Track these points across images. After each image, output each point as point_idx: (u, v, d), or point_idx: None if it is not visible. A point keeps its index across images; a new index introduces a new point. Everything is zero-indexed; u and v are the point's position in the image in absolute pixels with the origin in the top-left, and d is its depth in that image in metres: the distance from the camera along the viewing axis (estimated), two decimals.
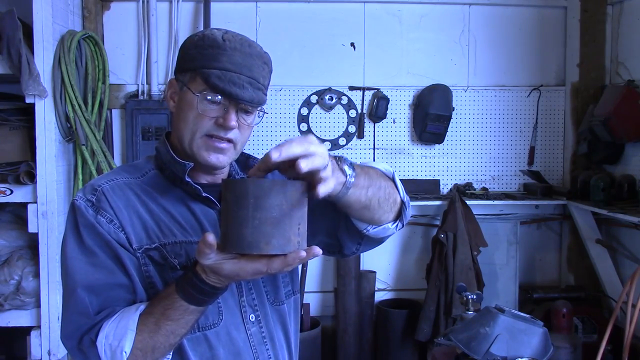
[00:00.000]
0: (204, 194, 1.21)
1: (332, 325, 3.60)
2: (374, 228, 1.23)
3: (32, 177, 2.88)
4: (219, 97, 1.14)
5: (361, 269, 3.58)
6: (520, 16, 3.63)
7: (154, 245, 1.16)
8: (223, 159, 1.19)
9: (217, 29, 1.19)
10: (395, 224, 1.25)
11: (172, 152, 1.22)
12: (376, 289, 3.61)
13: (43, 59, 2.86)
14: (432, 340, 3.19)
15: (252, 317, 1.24)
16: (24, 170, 2.88)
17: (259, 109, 1.21)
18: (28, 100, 2.85)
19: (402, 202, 1.24)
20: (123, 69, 3.45)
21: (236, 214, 0.95)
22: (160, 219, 1.18)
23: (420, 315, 3.30)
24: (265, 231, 0.94)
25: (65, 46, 2.92)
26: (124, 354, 1.06)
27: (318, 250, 0.98)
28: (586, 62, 3.53)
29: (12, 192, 2.89)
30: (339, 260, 3.51)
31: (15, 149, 2.96)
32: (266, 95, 1.21)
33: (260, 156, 1.36)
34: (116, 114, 3.42)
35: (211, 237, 0.96)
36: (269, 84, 1.24)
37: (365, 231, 1.24)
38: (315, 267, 3.64)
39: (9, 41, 2.74)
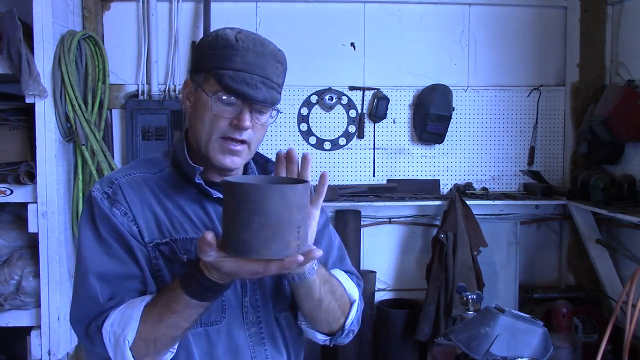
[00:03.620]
0: (215, 196, 1.23)
1: None
2: (307, 326, 1.29)
3: (32, 177, 2.88)
4: (233, 97, 1.16)
5: (361, 269, 3.58)
6: (520, 16, 3.63)
7: (164, 240, 1.18)
8: (237, 160, 1.21)
9: (230, 28, 1.20)
10: (326, 339, 1.31)
11: (186, 152, 1.24)
12: (376, 289, 3.61)
13: (43, 59, 2.86)
14: (432, 340, 3.18)
15: (252, 318, 1.25)
16: (24, 170, 2.88)
17: (272, 108, 1.22)
18: (28, 100, 2.85)
19: (343, 326, 1.29)
20: (123, 69, 3.45)
21: (235, 217, 0.95)
22: (173, 215, 1.21)
23: (420, 315, 3.30)
24: (264, 236, 0.94)
25: (65, 46, 2.92)
26: (127, 342, 1.08)
27: (317, 252, 1.00)
28: (586, 62, 3.52)
29: (12, 192, 2.89)
30: None
31: (15, 149, 2.96)
32: (280, 94, 1.22)
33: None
34: (116, 114, 3.42)
35: (210, 236, 0.97)
36: (283, 82, 1.24)
37: (299, 322, 1.31)
38: None
39: (9, 41, 2.74)
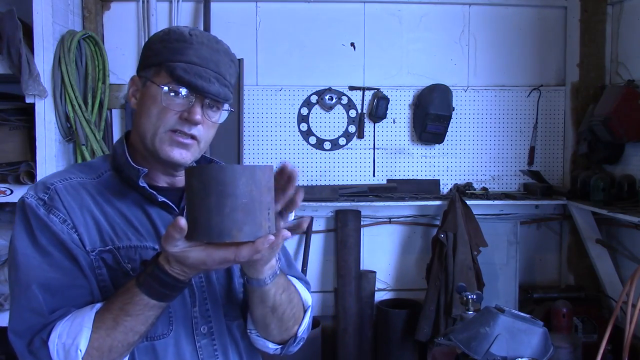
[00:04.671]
0: (160, 199, 1.17)
1: (332, 325, 3.60)
2: (257, 335, 1.24)
3: (32, 177, 2.88)
4: (185, 90, 1.11)
5: (361, 269, 3.58)
6: (520, 16, 3.63)
7: (107, 248, 1.11)
8: (186, 155, 1.14)
9: (184, 26, 1.17)
10: (277, 348, 1.26)
11: (127, 154, 1.17)
12: (376, 289, 3.61)
13: (43, 59, 2.86)
14: (432, 340, 3.19)
15: (203, 329, 1.19)
16: (24, 170, 2.88)
17: (224, 108, 1.18)
18: (28, 100, 2.85)
19: (295, 334, 1.24)
20: (123, 69, 3.45)
21: (204, 201, 0.92)
22: (115, 222, 1.14)
23: (420, 315, 3.30)
24: (237, 218, 0.92)
25: (65, 46, 2.92)
26: (79, 352, 1.00)
27: (287, 233, 0.96)
28: (586, 62, 3.53)
29: (12, 192, 2.89)
30: (339, 260, 3.51)
31: (15, 149, 2.96)
32: (232, 93, 1.18)
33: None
34: (116, 114, 3.42)
35: (182, 221, 0.91)
36: (234, 84, 1.20)
37: (249, 331, 1.26)
38: (315, 267, 3.64)
39: (9, 41, 2.74)
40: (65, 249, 1.08)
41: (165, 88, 1.11)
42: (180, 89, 1.11)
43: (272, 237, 0.93)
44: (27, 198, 1.12)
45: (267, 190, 0.96)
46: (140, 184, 1.15)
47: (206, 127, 1.15)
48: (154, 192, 1.16)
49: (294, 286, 1.23)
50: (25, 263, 1.07)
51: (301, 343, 1.28)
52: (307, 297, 1.28)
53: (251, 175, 0.93)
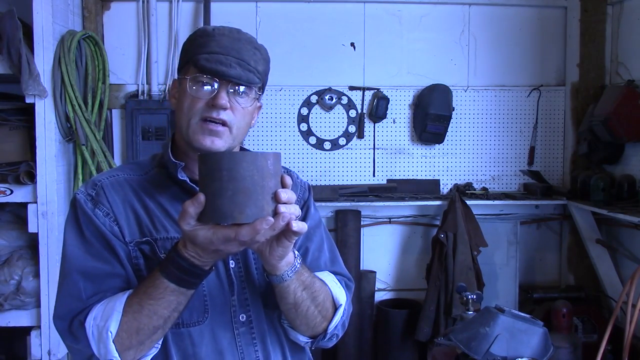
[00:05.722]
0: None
1: None
2: (288, 326, 1.28)
3: (32, 177, 2.88)
4: (208, 77, 1.17)
5: (361, 269, 3.58)
6: (520, 16, 3.63)
7: (145, 239, 1.19)
8: (218, 142, 1.19)
9: (212, 25, 1.24)
10: (307, 341, 1.30)
11: (169, 151, 1.24)
12: (376, 289, 3.61)
13: (43, 59, 2.86)
14: (432, 340, 3.19)
15: (242, 317, 1.24)
16: (24, 170, 2.88)
17: (253, 95, 1.22)
18: (28, 100, 2.85)
19: (325, 330, 1.28)
20: (123, 69, 3.45)
21: (210, 186, 0.97)
22: (155, 215, 1.21)
23: (420, 315, 3.30)
24: (238, 201, 0.96)
25: (65, 46, 2.92)
26: (110, 334, 1.08)
27: (288, 214, 0.99)
28: (586, 62, 3.52)
29: (12, 192, 2.89)
30: None
31: (15, 149, 2.96)
32: (260, 79, 1.22)
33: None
34: (116, 114, 3.42)
35: (202, 197, 0.97)
36: (264, 71, 1.25)
37: (282, 321, 1.29)
38: None
39: (9, 41, 2.75)
40: (105, 240, 1.17)
41: (193, 77, 1.18)
42: (204, 77, 1.17)
43: (270, 219, 0.97)
44: (78, 194, 1.22)
45: (270, 176, 0.99)
46: (180, 177, 1.21)
47: (237, 113, 1.20)
48: (193, 185, 1.21)
49: (324, 284, 1.25)
50: (71, 253, 1.17)
51: (334, 339, 1.33)
52: (340, 295, 1.30)
53: (252, 161, 0.97)
